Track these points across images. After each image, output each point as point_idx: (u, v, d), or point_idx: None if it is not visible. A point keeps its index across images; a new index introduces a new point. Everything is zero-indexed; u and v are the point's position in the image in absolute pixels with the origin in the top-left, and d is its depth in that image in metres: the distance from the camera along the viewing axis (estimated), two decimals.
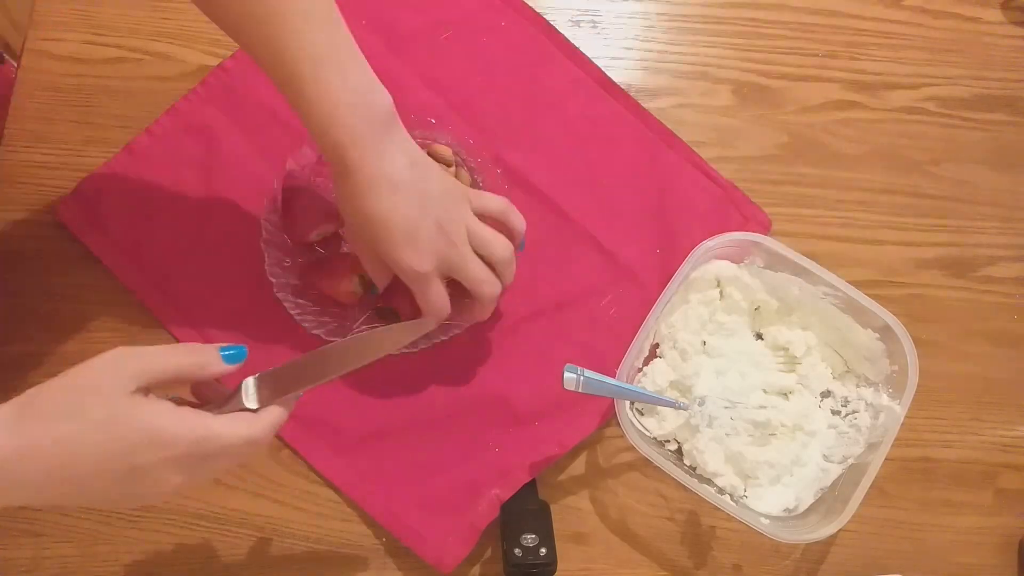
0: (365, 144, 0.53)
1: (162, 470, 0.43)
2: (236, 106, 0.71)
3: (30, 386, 0.66)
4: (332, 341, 0.65)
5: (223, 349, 0.47)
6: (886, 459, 0.60)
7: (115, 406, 0.42)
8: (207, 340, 0.67)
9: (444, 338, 0.67)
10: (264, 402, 0.48)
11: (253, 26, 0.51)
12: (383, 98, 0.55)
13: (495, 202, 0.61)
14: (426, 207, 0.55)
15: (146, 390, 0.44)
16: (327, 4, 0.52)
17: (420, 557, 0.63)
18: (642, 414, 0.66)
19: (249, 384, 0.48)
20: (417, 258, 0.55)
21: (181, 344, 0.46)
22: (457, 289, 0.60)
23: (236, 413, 0.47)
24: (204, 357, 0.46)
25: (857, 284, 0.64)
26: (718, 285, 0.68)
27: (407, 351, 0.66)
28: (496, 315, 0.68)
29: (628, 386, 0.61)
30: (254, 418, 0.47)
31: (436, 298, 0.58)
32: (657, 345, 0.68)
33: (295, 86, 0.52)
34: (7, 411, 0.42)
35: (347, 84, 0.52)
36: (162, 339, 0.67)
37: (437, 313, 0.59)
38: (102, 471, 0.42)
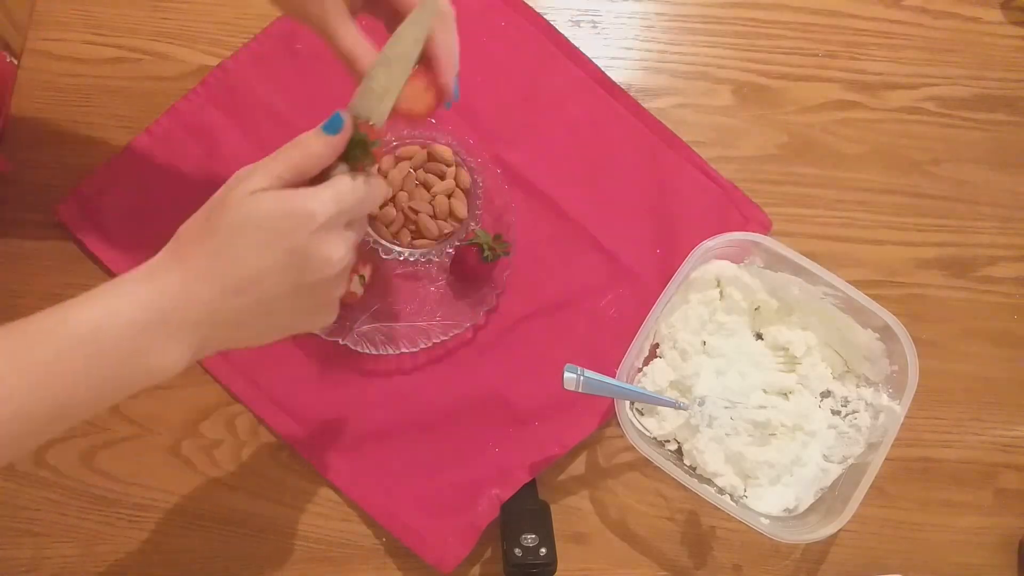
0: None
1: (321, 244, 0.44)
2: (236, 106, 0.71)
3: None
4: (332, 341, 0.65)
5: (323, 126, 0.46)
6: (886, 459, 0.60)
7: (247, 205, 0.43)
8: None
9: (444, 338, 0.67)
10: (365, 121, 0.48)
11: None
12: None
13: None
14: None
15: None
16: None
17: (420, 557, 0.63)
18: (642, 414, 0.66)
19: (344, 118, 0.47)
20: None
21: (286, 148, 0.46)
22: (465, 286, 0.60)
23: (343, 173, 0.47)
24: (310, 148, 0.46)
25: (857, 284, 0.64)
26: (718, 285, 0.68)
27: (408, 351, 0.66)
28: (496, 315, 0.68)
29: (628, 386, 0.61)
30: (362, 175, 0.47)
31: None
32: (657, 345, 0.68)
33: None
34: (163, 256, 0.45)
35: None
36: None
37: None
38: (265, 268, 0.44)
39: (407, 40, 0.49)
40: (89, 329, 0.42)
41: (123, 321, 0.42)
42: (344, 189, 0.46)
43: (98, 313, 0.42)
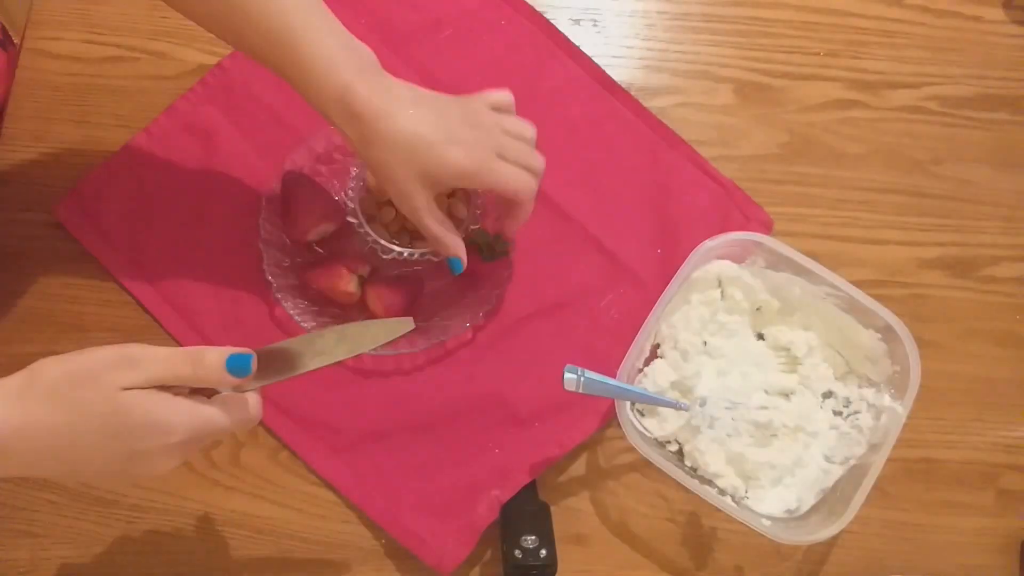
0: (368, 81, 0.53)
1: (159, 455, 0.45)
2: (235, 105, 0.71)
3: None
4: None
5: (229, 360, 0.46)
6: (888, 460, 0.60)
7: (114, 400, 0.43)
8: (205, 340, 0.67)
9: (444, 338, 0.66)
10: (251, 384, 0.48)
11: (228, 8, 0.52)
12: (369, 50, 0.55)
13: (501, 95, 0.60)
14: (446, 110, 0.55)
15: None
16: None
17: (419, 558, 0.63)
18: (643, 415, 0.66)
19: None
20: (467, 149, 0.54)
21: (182, 351, 0.46)
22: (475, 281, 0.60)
23: (226, 397, 0.47)
24: (205, 371, 0.46)
25: (859, 284, 0.64)
26: (719, 285, 0.68)
27: (408, 351, 0.66)
28: (496, 315, 0.68)
29: (629, 387, 0.61)
30: (243, 401, 0.48)
31: (513, 172, 0.57)
32: (658, 345, 0.67)
33: (286, 48, 0.52)
34: (15, 383, 0.44)
35: (336, 36, 0.54)
36: (160, 339, 0.67)
37: (525, 189, 0.58)
38: (100, 454, 0.44)
39: (357, 340, 0.50)
40: None
41: None
42: (217, 419, 0.46)
43: None
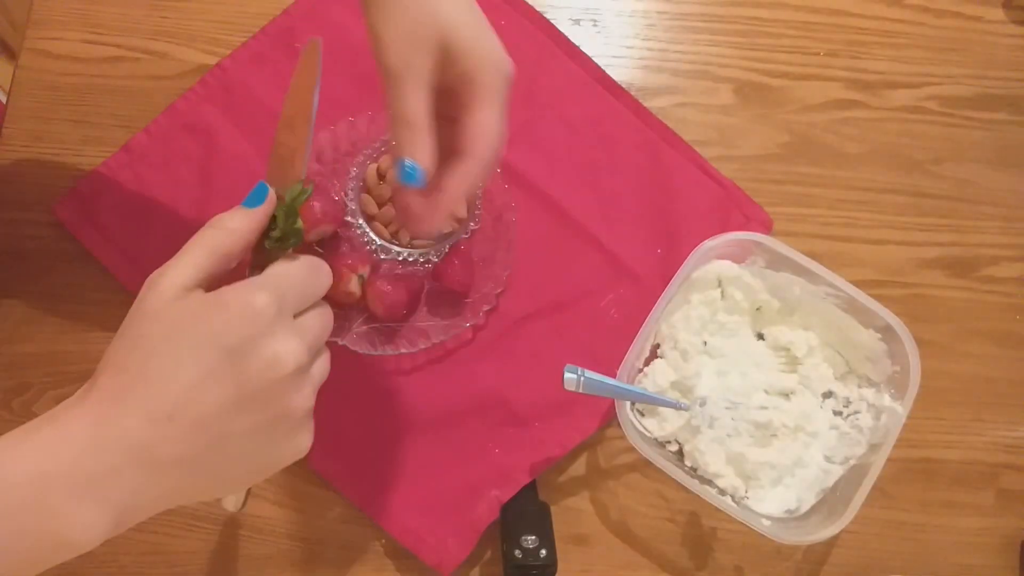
0: None
1: (262, 340, 0.36)
2: (234, 105, 0.71)
3: (29, 386, 0.66)
4: (331, 341, 0.65)
5: (246, 201, 0.41)
6: (888, 460, 0.60)
7: (169, 313, 0.36)
8: None
9: (444, 338, 0.66)
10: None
11: None
12: None
13: None
14: None
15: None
16: None
17: (419, 558, 0.63)
18: (643, 415, 0.66)
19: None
20: (501, 44, 0.45)
21: (201, 231, 0.39)
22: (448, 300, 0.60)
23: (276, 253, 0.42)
24: (228, 224, 0.40)
25: (859, 284, 0.63)
26: (719, 285, 0.68)
27: (408, 351, 0.66)
28: (496, 315, 0.68)
29: (629, 387, 0.61)
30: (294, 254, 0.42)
31: (502, 115, 0.46)
32: (658, 345, 0.67)
33: None
34: (76, 396, 0.36)
35: None
36: None
37: (496, 137, 0.46)
38: (199, 374, 0.35)
39: (301, 93, 0.45)
40: None
41: (17, 478, 0.32)
42: (282, 272, 0.39)
43: None
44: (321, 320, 0.42)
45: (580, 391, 0.58)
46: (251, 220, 0.40)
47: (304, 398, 0.39)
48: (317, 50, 0.43)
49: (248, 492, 0.58)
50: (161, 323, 0.36)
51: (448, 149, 0.45)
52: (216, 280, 0.39)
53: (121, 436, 0.34)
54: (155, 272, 0.38)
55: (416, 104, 0.43)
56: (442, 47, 0.43)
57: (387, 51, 0.43)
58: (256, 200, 0.40)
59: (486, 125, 0.44)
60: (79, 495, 0.33)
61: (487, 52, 0.43)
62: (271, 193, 0.41)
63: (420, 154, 0.43)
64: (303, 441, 0.40)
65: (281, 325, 0.38)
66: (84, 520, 0.33)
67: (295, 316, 0.40)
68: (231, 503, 0.58)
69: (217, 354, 0.35)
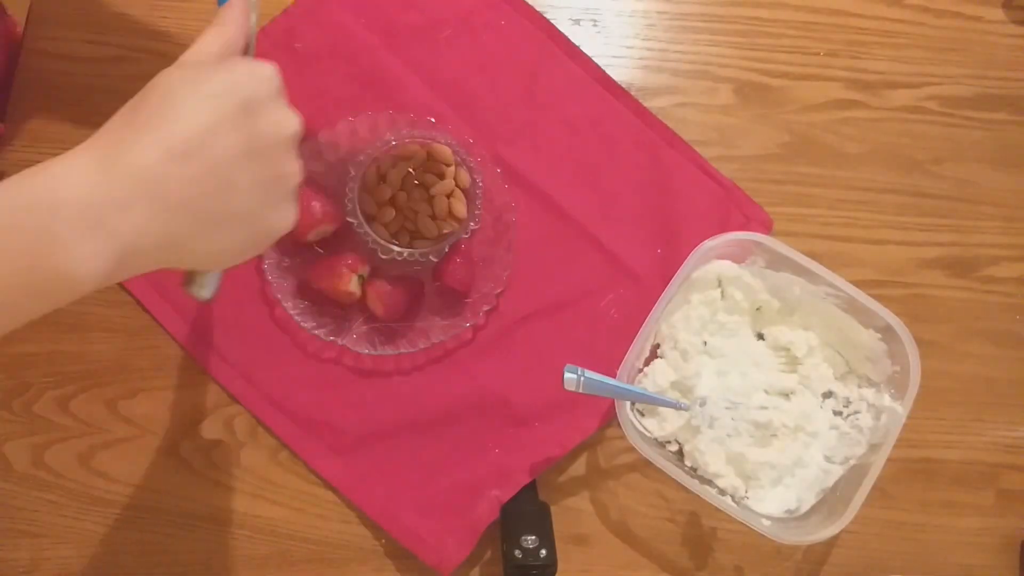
0: None
1: (272, 102, 0.40)
2: None
3: (29, 386, 0.66)
4: (331, 341, 0.65)
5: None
6: (888, 460, 0.60)
7: (184, 71, 0.38)
8: (205, 340, 0.67)
9: (444, 338, 0.66)
10: None
11: None
12: None
13: None
14: None
15: None
16: None
17: (419, 558, 0.63)
18: (643, 415, 0.66)
19: None
20: None
21: (204, 33, 0.42)
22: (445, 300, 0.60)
23: None
24: (217, 20, 0.42)
25: (859, 284, 0.63)
26: (719, 285, 0.68)
27: (408, 351, 0.66)
28: (496, 315, 0.68)
29: (629, 386, 0.61)
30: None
31: None
32: (658, 345, 0.67)
33: None
34: (86, 154, 0.35)
35: None
36: (160, 339, 0.67)
37: None
38: (217, 119, 0.36)
39: None
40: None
41: (22, 201, 0.32)
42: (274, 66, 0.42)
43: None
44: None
45: (580, 391, 0.58)
46: (235, 9, 0.42)
47: (296, 170, 0.42)
48: None
49: (219, 283, 0.52)
50: (182, 71, 0.37)
51: None
52: None
53: (136, 169, 0.34)
54: (172, 71, 0.39)
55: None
56: None
57: None
58: None
59: None
60: (87, 225, 0.33)
61: None
62: None
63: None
64: (290, 213, 0.42)
65: (283, 97, 0.41)
66: (88, 252, 0.33)
67: None
68: (206, 288, 0.50)
69: (234, 103, 0.37)
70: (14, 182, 0.33)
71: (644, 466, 0.67)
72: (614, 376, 0.60)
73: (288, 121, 0.40)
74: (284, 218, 0.42)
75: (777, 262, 0.65)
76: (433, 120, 0.69)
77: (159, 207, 0.35)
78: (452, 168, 0.67)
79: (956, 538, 0.67)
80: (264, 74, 0.39)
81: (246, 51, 0.45)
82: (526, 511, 0.63)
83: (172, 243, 0.36)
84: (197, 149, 0.35)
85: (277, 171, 0.40)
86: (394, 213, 0.66)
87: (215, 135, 0.36)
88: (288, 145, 0.41)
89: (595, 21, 0.77)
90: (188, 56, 0.40)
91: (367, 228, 0.65)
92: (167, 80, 0.37)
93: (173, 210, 0.35)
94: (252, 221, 0.40)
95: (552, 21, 0.75)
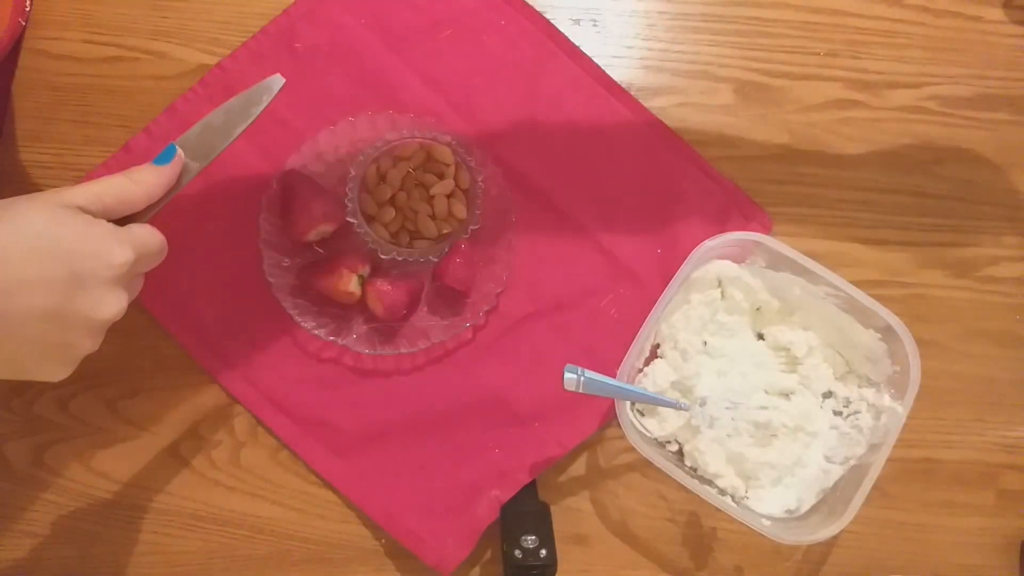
0: None
1: (103, 283, 0.41)
2: None
3: (27, 386, 0.66)
4: (331, 341, 0.65)
5: (156, 159, 0.46)
6: (888, 460, 0.60)
7: (55, 213, 0.40)
8: (204, 340, 0.67)
9: (444, 338, 0.66)
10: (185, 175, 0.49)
11: None
12: None
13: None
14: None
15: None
16: None
17: (420, 558, 0.63)
18: (643, 415, 0.66)
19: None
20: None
21: (116, 174, 0.46)
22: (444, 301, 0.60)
23: (146, 225, 0.47)
24: (140, 175, 0.45)
25: (859, 284, 0.64)
26: (719, 285, 0.68)
27: (408, 351, 0.66)
28: (496, 315, 0.68)
29: (629, 387, 0.61)
30: (154, 231, 0.47)
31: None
32: (658, 345, 0.67)
33: None
34: None
35: None
36: (160, 339, 0.67)
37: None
38: (39, 282, 0.38)
39: (251, 98, 0.51)
40: None
41: None
42: (147, 239, 0.45)
43: None
44: (139, 287, 0.47)
45: (580, 391, 0.58)
46: (162, 178, 0.45)
47: (89, 345, 0.43)
48: (273, 89, 0.49)
49: None
50: (40, 215, 0.39)
51: None
52: (107, 218, 0.43)
53: None
54: (58, 189, 0.42)
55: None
56: None
57: None
58: (165, 159, 0.45)
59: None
60: None
61: None
62: (179, 155, 0.46)
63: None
64: (64, 371, 0.43)
65: (122, 283, 0.42)
66: None
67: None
68: None
69: (65, 272, 0.39)
70: None
71: (644, 466, 0.67)
72: (614, 376, 0.60)
73: (107, 307, 0.41)
74: (55, 371, 0.43)
75: (777, 262, 0.65)
76: (433, 120, 0.69)
77: None
78: (452, 168, 0.67)
79: (956, 538, 0.67)
80: (111, 259, 0.41)
81: (146, 211, 0.47)
82: (526, 511, 0.63)
83: None
84: (6, 293, 0.37)
85: (67, 340, 0.41)
86: (394, 213, 0.66)
87: (31, 290, 0.38)
88: (94, 327, 0.42)
89: (595, 21, 0.77)
90: (76, 194, 0.41)
91: (367, 228, 0.65)
92: (26, 214, 0.38)
93: None
94: (22, 362, 0.40)
95: (552, 21, 0.75)
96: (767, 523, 0.61)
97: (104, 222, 0.42)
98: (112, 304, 0.42)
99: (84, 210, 0.42)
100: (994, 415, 0.70)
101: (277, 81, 0.51)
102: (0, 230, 0.38)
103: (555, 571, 0.61)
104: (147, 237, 0.45)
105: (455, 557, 0.63)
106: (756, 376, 0.67)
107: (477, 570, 0.64)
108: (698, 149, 0.73)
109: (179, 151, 0.46)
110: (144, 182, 0.44)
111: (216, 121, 0.49)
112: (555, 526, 0.63)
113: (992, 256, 0.73)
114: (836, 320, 0.66)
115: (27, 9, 0.70)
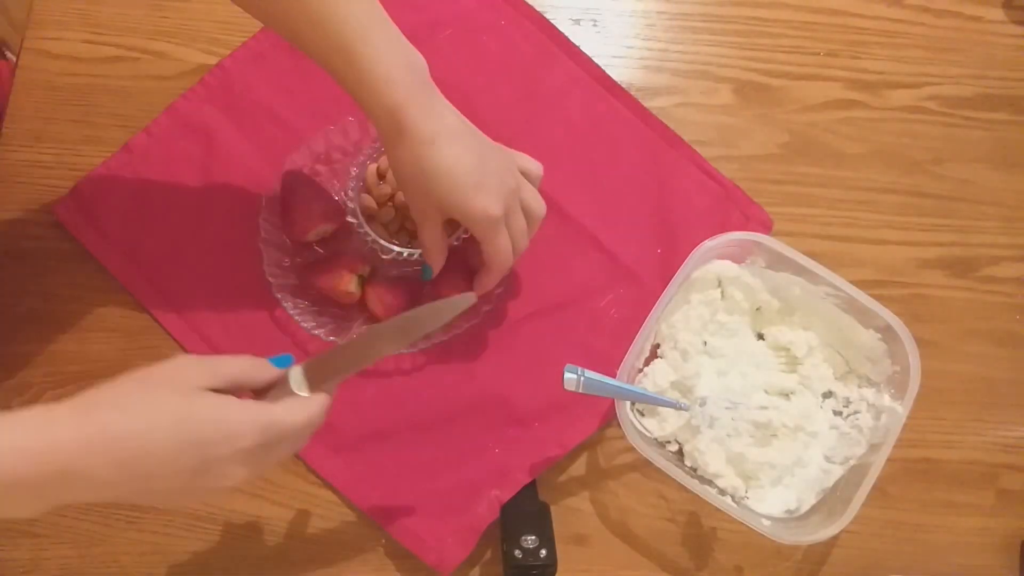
0: (421, 102, 0.54)
1: (231, 463, 0.44)
2: (235, 105, 0.71)
3: (29, 386, 0.66)
4: (331, 341, 0.65)
5: (272, 360, 0.50)
6: (888, 460, 0.60)
7: (189, 400, 0.43)
8: (204, 339, 0.67)
9: (444, 338, 0.66)
10: (312, 388, 0.49)
11: (291, 3, 0.51)
12: (421, 59, 0.55)
13: (533, 164, 0.62)
14: (486, 155, 0.56)
15: (211, 390, 0.45)
16: None
17: (419, 558, 0.63)
18: (643, 415, 0.66)
19: (296, 373, 0.49)
20: (489, 200, 0.55)
21: (238, 355, 0.48)
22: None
23: (292, 399, 0.48)
24: (259, 365, 0.48)
25: (859, 284, 0.64)
26: (719, 285, 0.68)
27: (408, 351, 0.66)
28: (496, 315, 0.68)
29: (629, 386, 0.61)
30: (307, 402, 0.49)
31: (505, 244, 0.58)
32: (658, 345, 0.67)
33: (344, 55, 0.52)
34: (65, 410, 0.42)
35: (394, 47, 0.53)
36: (160, 339, 0.67)
37: (503, 262, 0.59)
38: (174, 464, 0.42)
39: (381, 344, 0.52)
40: None
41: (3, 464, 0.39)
42: (283, 417, 0.46)
43: None
44: (291, 450, 0.50)
45: (580, 391, 0.58)
46: (271, 376, 0.49)
47: (217, 494, 0.50)
48: (463, 305, 0.52)
49: None
50: (177, 403, 0.43)
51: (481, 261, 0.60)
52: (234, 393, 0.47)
53: (89, 471, 0.40)
54: (190, 357, 0.47)
55: (431, 235, 0.59)
56: (443, 211, 0.57)
57: (410, 204, 0.59)
58: (282, 364, 0.49)
59: (490, 253, 0.59)
60: (37, 498, 0.41)
61: (470, 213, 0.56)
62: (295, 370, 0.49)
63: (434, 264, 0.61)
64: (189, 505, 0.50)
65: (250, 461, 0.45)
66: (28, 512, 0.41)
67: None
68: None
69: (196, 461, 0.43)
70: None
71: (644, 466, 0.67)
72: (614, 376, 0.60)
73: (234, 480, 0.45)
74: (182, 507, 0.52)
75: (777, 262, 0.65)
76: None
77: (88, 491, 0.42)
78: None
79: (956, 538, 0.67)
80: (240, 445, 0.44)
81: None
82: (526, 511, 0.63)
83: (83, 500, 0.43)
84: (141, 475, 0.42)
85: (193, 500, 0.48)
86: (394, 213, 0.66)
87: (163, 472, 0.42)
88: (219, 492, 0.46)
89: (595, 21, 0.77)
90: (207, 367, 0.45)
91: (367, 228, 0.65)
92: (167, 401, 0.43)
93: (97, 493, 0.42)
94: (150, 504, 0.50)
95: (552, 21, 0.76)
96: (767, 523, 0.61)
97: (235, 402, 0.45)
98: (234, 477, 0.45)
99: (214, 389, 0.45)
100: (994, 415, 0.70)
101: (469, 298, 0.53)
102: (142, 419, 0.42)
103: (555, 571, 0.61)
104: (283, 416, 0.46)
105: (455, 557, 0.63)
106: (756, 376, 0.67)
107: (477, 570, 0.64)
108: (698, 149, 0.73)
109: (296, 368, 0.49)
110: (258, 380, 0.48)
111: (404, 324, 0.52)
112: (555, 526, 0.63)
113: (992, 256, 0.73)
114: (836, 320, 0.66)
115: None
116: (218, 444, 0.43)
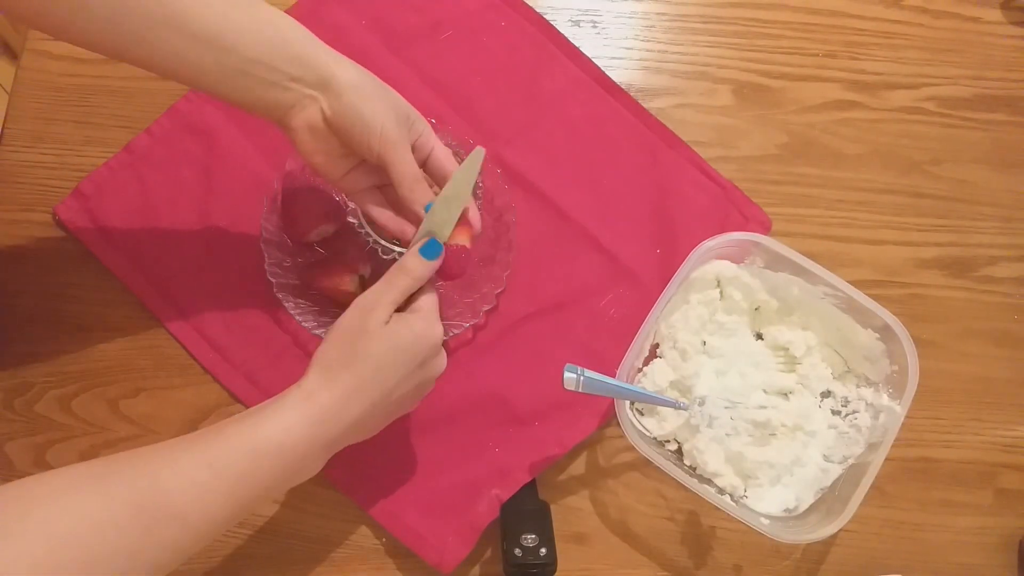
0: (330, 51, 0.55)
1: (436, 354, 0.55)
2: None
3: (31, 386, 0.67)
4: None
5: (421, 250, 0.55)
6: (886, 459, 0.60)
7: (388, 335, 0.52)
8: (206, 339, 0.67)
9: (444, 338, 0.66)
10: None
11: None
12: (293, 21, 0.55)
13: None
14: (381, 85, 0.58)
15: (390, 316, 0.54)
16: None
17: (420, 557, 0.63)
18: (642, 414, 0.66)
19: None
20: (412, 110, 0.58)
21: (395, 274, 0.54)
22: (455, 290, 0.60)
23: (426, 312, 0.55)
24: (413, 270, 0.54)
25: (857, 284, 0.64)
26: (718, 285, 0.68)
27: None
28: (496, 315, 0.68)
29: (628, 386, 0.61)
30: (431, 315, 0.56)
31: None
32: (657, 345, 0.68)
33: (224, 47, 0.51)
34: (312, 381, 0.51)
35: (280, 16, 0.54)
36: (162, 338, 0.67)
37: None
38: (406, 382, 0.54)
39: (462, 183, 0.56)
40: (275, 445, 0.49)
41: (296, 438, 0.50)
42: (435, 306, 0.56)
43: (278, 429, 0.49)
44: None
45: (580, 391, 0.59)
46: (428, 269, 0.55)
47: (431, 385, 0.58)
48: (479, 158, 0.57)
49: None
50: (381, 342, 0.52)
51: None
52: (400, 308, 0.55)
53: (352, 417, 0.52)
54: (363, 299, 0.54)
55: (413, 165, 0.57)
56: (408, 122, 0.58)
57: (378, 124, 0.55)
58: (433, 254, 0.55)
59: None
60: (324, 450, 0.52)
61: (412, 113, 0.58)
62: (443, 250, 0.56)
63: (417, 191, 0.57)
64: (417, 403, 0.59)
65: (440, 347, 0.56)
66: (320, 464, 0.52)
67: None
68: None
69: (414, 366, 0.54)
70: (283, 415, 0.50)
71: (643, 465, 0.67)
72: (614, 376, 0.60)
73: (442, 365, 0.57)
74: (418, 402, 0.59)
75: (776, 262, 0.66)
76: (433, 121, 0.69)
77: (355, 434, 0.54)
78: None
79: (954, 537, 0.68)
80: (434, 340, 0.54)
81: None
82: (526, 510, 0.63)
83: (353, 442, 0.54)
84: (387, 398, 0.53)
85: (425, 390, 0.57)
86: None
87: (400, 387, 0.54)
88: (436, 377, 0.57)
89: (595, 22, 0.77)
90: (383, 303, 0.53)
91: (367, 228, 0.65)
92: (376, 348, 0.52)
93: (361, 431, 0.54)
94: (399, 414, 0.57)
95: (552, 22, 0.76)
96: (766, 522, 0.61)
97: (423, 317, 0.54)
98: (442, 363, 0.56)
99: (391, 315, 0.54)
100: (992, 414, 0.70)
101: (479, 153, 0.57)
102: (369, 363, 0.52)
103: (555, 570, 0.61)
104: (434, 303, 0.56)
105: (455, 556, 0.63)
106: (755, 376, 0.67)
107: (477, 569, 0.65)
108: (697, 150, 0.73)
109: (443, 247, 0.56)
110: (421, 277, 0.55)
111: (449, 193, 0.56)
112: (555, 525, 0.63)
113: (990, 256, 0.74)
114: (834, 320, 0.66)
115: None
116: (427, 348, 0.54)
